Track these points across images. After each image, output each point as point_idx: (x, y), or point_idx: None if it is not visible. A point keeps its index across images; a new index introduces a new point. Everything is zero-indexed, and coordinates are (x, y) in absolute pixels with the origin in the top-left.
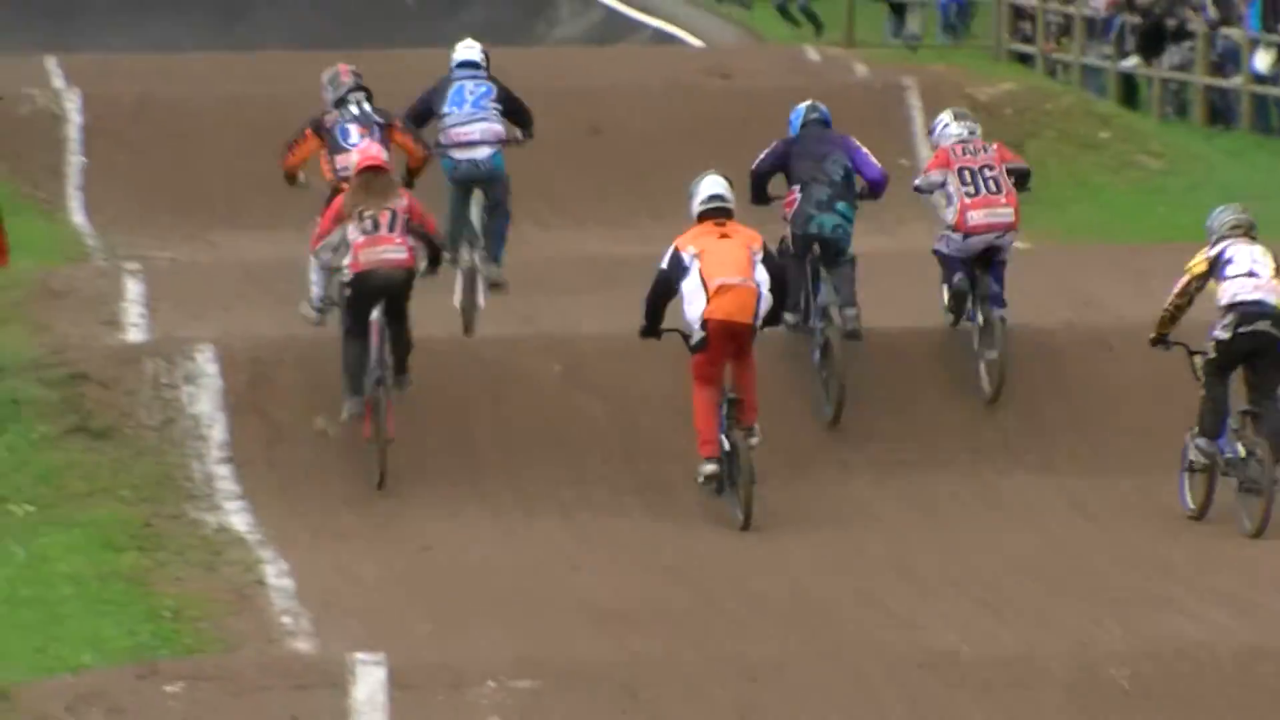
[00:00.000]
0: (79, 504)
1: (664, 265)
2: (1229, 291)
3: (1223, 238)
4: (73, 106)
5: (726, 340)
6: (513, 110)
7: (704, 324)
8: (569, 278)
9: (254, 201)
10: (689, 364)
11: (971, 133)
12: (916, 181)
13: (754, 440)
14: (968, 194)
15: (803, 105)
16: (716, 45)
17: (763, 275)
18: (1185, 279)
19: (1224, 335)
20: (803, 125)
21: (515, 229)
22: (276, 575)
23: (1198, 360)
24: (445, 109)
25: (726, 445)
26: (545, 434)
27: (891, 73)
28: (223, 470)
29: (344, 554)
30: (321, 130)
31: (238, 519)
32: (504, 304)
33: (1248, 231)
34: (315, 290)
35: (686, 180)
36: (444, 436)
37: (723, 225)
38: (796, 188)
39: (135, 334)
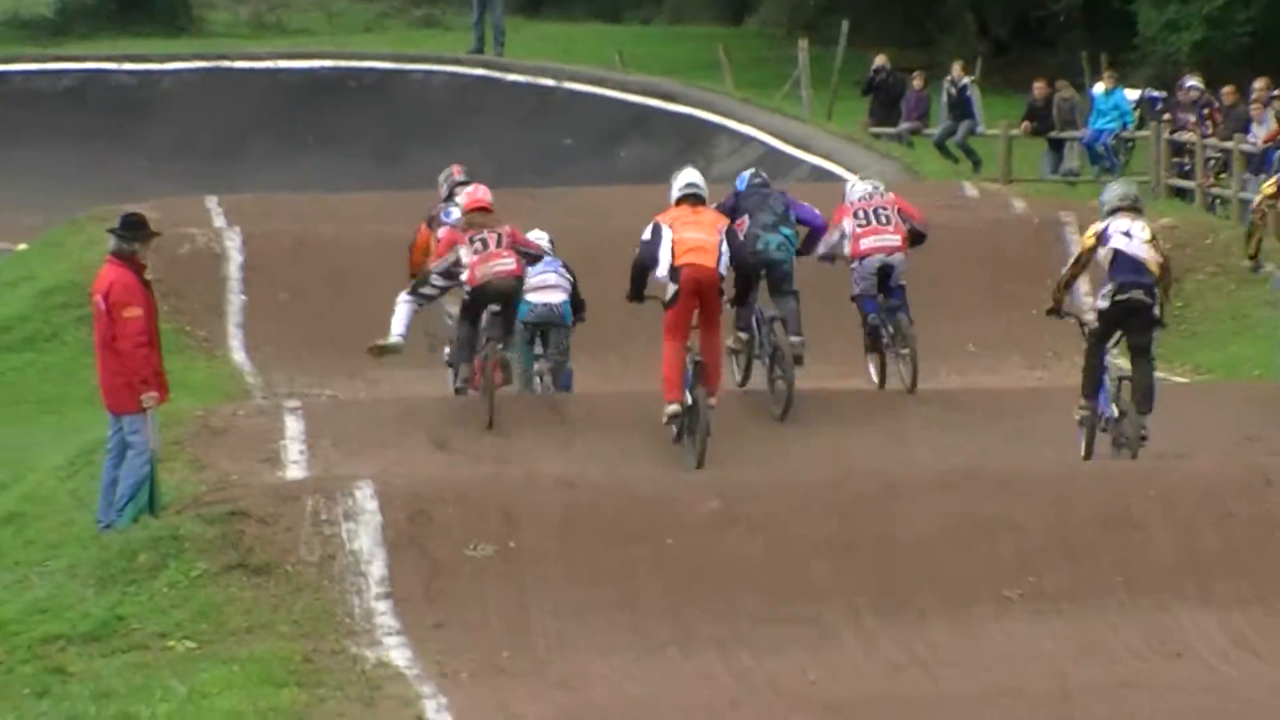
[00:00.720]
0: (239, 640)
1: (646, 236)
2: (1111, 251)
3: (1112, 210)
4: (233, 245)
5: (694, 290)
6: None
7: (675, 274)
8: (725, 416)
9: (412, 339)
10: (663, 321)
11: (875, 188)
12: (820, 251)
13: (712, 401)
14: (860, 226)
15: (747, 171)
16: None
17: (725, 246)
18: (1079, 250)
19: (1104, 304)
20: (748, 186)
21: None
22: (436, 711)
23: (1085, 330)
24: None
25: (689, 399)
26: (702, 571)
27: (1049, 208)
28: (382, 606)
29: (503, 689)
30: (432, 221)
31: (397, 654)
32: (662, 440)
33: (1133, 205)
34: (398, 326)
35: (846, 317)
36: (601, 573)
37: (695, 209)
38: (745, 217)
39: (295, 471)
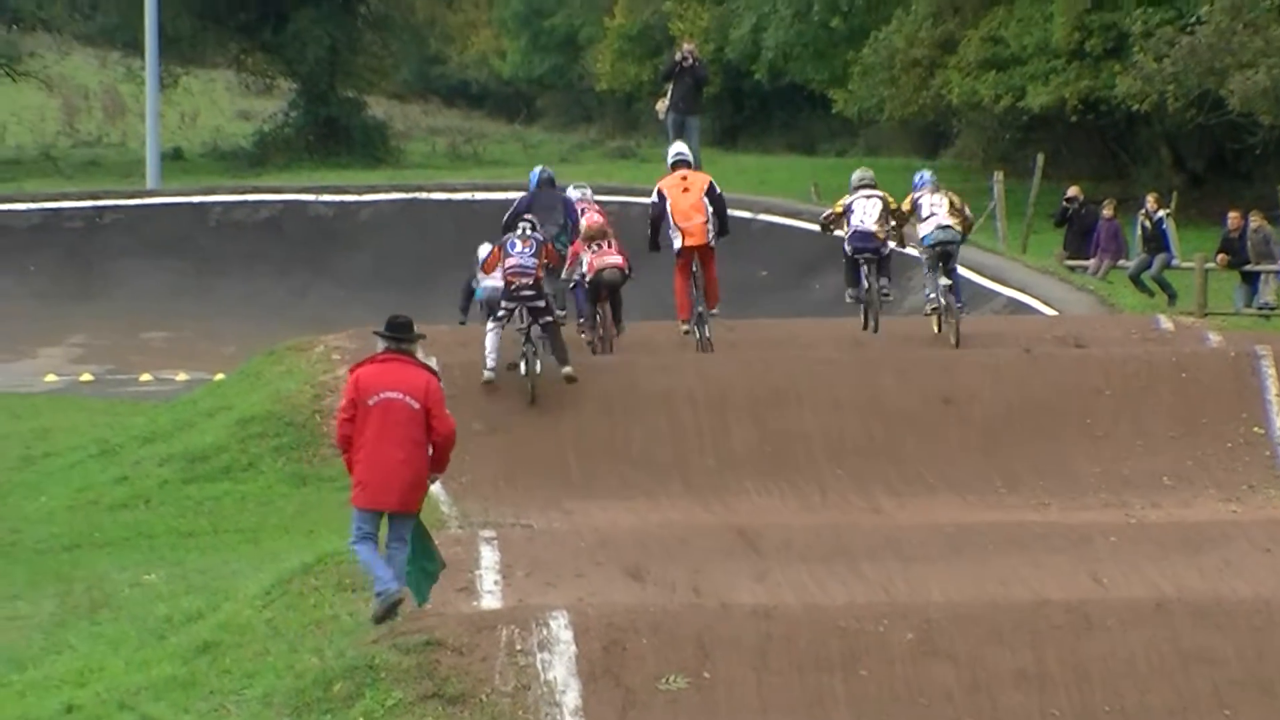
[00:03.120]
0: None
1: (654, 200)
2: (851, 226)
3: (855, 189)
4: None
5: (693, 253)
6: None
7: (680, 249)
8: (921, 545)
9: (607, 470)
10: (675, 265)
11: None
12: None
13: (714, 311)
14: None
15: (537, 169)
16: (1070, 314)
17: (709, 207)
18: (829, 213)
19: (848, 249)
20: (538, 185)
21: (867, 496)
22: None
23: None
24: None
25: (698, 310)
26: (897, 701)
27: (1245, 341)
28: None
29: None
30: (501, 248)
31: None
32: (857, 571)
33: (872, 185)
34: (490, 359)
35: (1040, 449)
36: (796, 704)
37: (685, 177)
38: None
39: (490, 601)
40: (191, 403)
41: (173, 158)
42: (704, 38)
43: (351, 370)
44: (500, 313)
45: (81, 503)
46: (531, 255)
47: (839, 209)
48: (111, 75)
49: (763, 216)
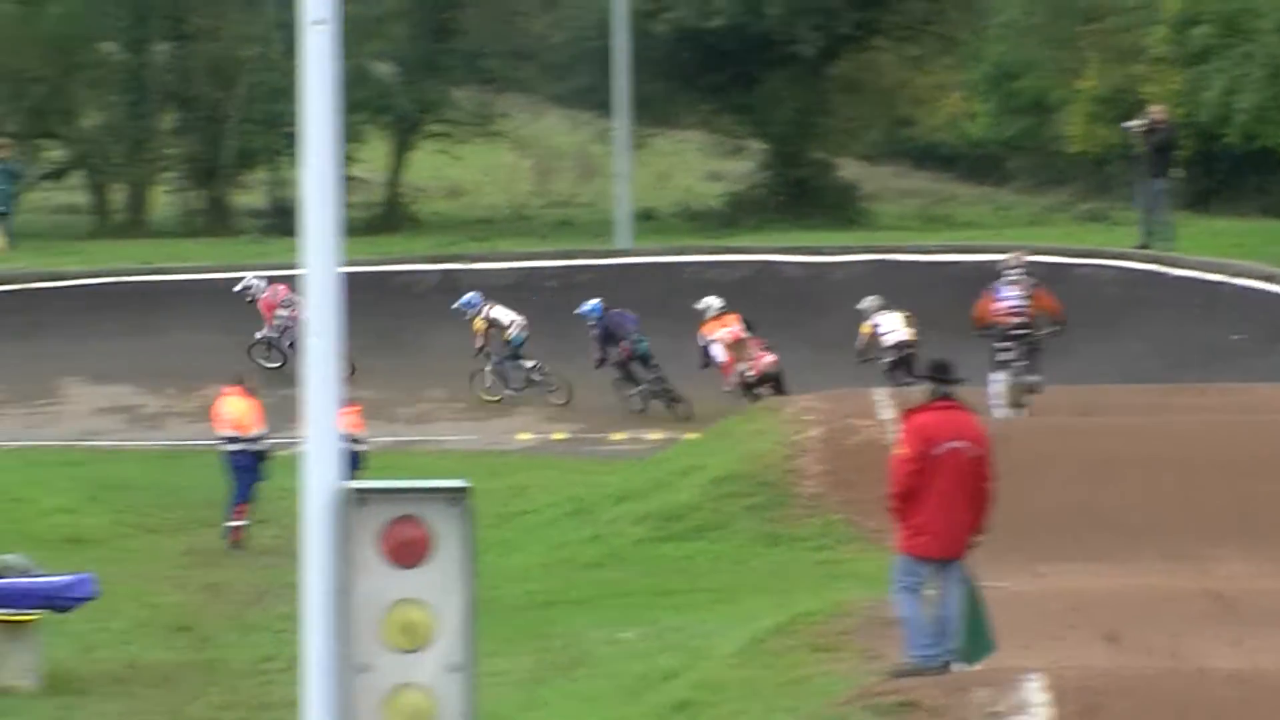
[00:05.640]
0: None
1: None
2: (888, 339)
3: (875, 312)
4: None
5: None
6: None
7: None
8: None
9: (1078, 533)
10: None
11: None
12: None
13: None
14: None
15: (594, 302)
16: None
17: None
18: (865, 337)
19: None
20: (601, 312)
21: None
22: None
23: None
24: None
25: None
26: None
27: None
28: None
29: None
30: (989, 291)
31: None
32: None
33: (886, 306)
34: (994, 401)
35: None
36: None
37: (722, 318)
38: (625, 339)
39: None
40: (665, 461)
41: (644, 218)
42: (1175, 100)
43: (907, 418)
44: (1001, 355)
45: (556, 560)
46: (1023, 296)
47: (867, 330)
48: (583, 136)
49: (1236, 280)
